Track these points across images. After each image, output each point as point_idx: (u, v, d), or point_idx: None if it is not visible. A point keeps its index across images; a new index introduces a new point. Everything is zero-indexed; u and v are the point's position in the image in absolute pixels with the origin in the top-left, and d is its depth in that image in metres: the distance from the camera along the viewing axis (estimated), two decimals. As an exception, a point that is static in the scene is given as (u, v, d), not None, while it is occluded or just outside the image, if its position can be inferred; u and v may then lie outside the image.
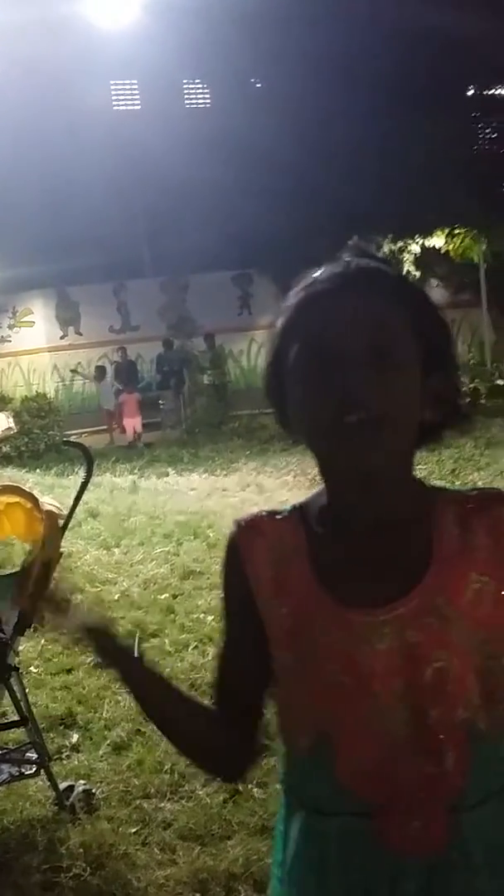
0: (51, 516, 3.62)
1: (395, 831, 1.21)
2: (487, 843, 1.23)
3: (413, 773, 1.20)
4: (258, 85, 16.69)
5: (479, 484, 9.04)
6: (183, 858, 3.19)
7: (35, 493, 3.91)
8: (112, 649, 1.38)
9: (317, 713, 1.23)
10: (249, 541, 1.29)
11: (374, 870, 1.22)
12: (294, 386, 1.19)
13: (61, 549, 3.84)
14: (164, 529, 8.11)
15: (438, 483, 1.31)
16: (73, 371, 17.72)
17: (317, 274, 1.21)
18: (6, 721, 3.74)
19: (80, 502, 3.93)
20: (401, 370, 1.16)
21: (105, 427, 16.28)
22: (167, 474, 11.58)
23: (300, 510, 1.29)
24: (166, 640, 5.32)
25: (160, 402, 16.61)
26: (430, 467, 10.20)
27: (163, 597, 6.10)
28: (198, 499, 9.82)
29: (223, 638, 1.38)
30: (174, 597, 6.12)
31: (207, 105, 18.49)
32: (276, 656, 1.26)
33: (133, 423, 15.88)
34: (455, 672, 1.19)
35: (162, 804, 3.57)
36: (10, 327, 17.85)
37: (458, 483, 9.23)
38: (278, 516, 1.30)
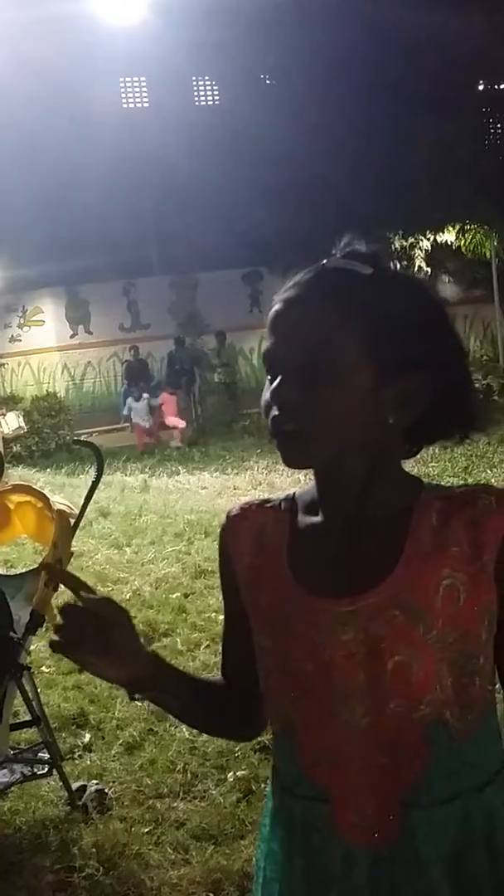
0: (62, 515, 3.61)
1: (347, 820, 1.22)
2: (444, 844, 1.21)
3: (367, 764, 1.20)
4: (267, 81, 16.65)
5: (493, 481, 9.03)
6: (196, 858, 3.18)
7: (46, 492, 3.91)
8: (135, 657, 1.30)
9: (284, 698, 1.26)
10: (235, 528, 1.34)
11: (330, 855, 1.24)
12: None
13: (72, 549, 3.83)
14: (176, 528, 8.11)
15: (427, 480, 1.30)
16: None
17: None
18: (18, 721, 3.74)
19: (91, 501, 3.92)
20: (332, 381, 1.16)
21: (138, 441, 15.34)
22: (178, 473, 11.58)
23: (291, 500, 1.33)
24: (178, 640, 5.31)
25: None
26: (443, 465, 10.19)
27: (174, 596, 6.09)
28: (209, 497, 9.81)
29: (224, 626, 1.45)
30: (186, 596, 6.11)
31: (216, 102, 18.48)
32: (257, 640, 1.30)
33: (176, 424, 15.32)
34: (418, 667, 1.17)
35: (175, 804, 3.56)
36: (21, 326, 17.86)
37: (470, 480, 9.20)
38: (268, 504, 1.34)
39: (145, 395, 15.88)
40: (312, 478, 1.31)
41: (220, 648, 1.49)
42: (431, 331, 1.21)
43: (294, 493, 1.34)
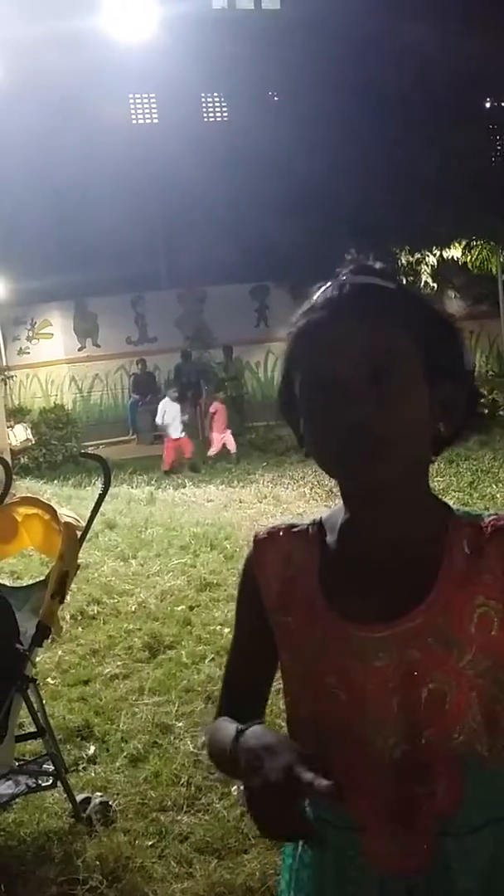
0: (69, 528, 3.63)
1: (379, 848, 1.21)
2: (477, 872, 1.21)
3: (401, 792, 1.19)
4: (276, 98, 16.74)
5: (498, 496, 9.03)
6: (200, 872, 3.18)
7: (53, 504, 3.93)
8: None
9: (314, 724, 1.24)
10: (263, 552, 1.32)
11: (363, 883, 1.23)
12: (302, 413, 1.22)
13: (79, 561, 3.85)
14: (181, 541, 8.12)
15: (456, 505, 1.30)
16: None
17: (315, 297, 1.22)
18: (23, 732, 3.75)
19: (98, 513, 3.94)
20: (402, 390, 1.16)
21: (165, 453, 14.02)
22: (184, 486, 11.59)
23: (318, 525, 1.31)
24: (183, 652, 5.31)
25: (178, 413, 16.62)
26: (449, 480, 10.17)
27: (179, 608, 6.10)
28: (214, 510, 9.82)
29: (233, 645, 1.41)
30: (191, 608, 6.11)
31: (225, 118, 18.57)
32: (285, 667, 1.29)
33: (224, 437, 14.19)
34: (453, 695, 1.17)
35: (179, 817, 3.56)
36: (29, 339, 17.94)
37: (475, 495, 9.20)
38: (295, 529, 1.32)
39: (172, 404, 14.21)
40: (317, 490, 1.31)
41: (226, 678, 1.43)
42: (457, 339, 1.25)
43: (321, 518, 1.32)
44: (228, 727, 1.23)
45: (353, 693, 1.20)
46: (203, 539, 8.09)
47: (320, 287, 1.24)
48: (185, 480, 11.87)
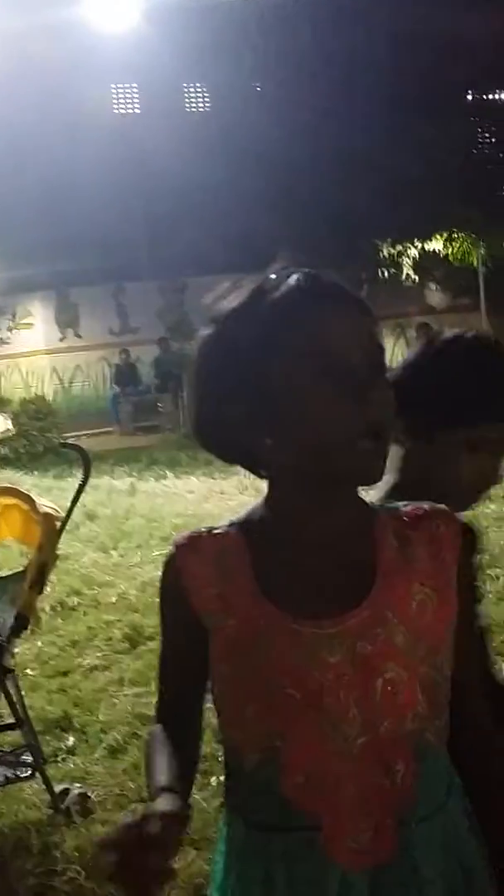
0: (48, 518, 3.61)
1: (343, 845, 1.20)
2: (434, 857, 1.23)
3: (362, 785, 1.20)
4: (258, 88, 16.69)
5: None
6: (178, 863, 3.16)
7: (32, 495, 3.91)
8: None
9: (263, 728, 1.21)
10: (189, 558, 1.27)
11: (322, 885, 1.21)
12: (309, 400, 1.16)
13: (58, 552, 3.83)
14: (162, 532, 8.10)
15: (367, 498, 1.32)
16: None
17: (289, 286, 1.19)
18: (2, 723, 3.74)
19: (78, 504, 3.93)
20: (389, 386, 1.20)
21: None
22: (165, 477, 11.57)
23: (239, 525, 1.28)
24: (163, 643, 5.30)
25: (158, 404, 16.60)
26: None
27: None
28: (196, 502, 9.81)
29: (163, 656, 1.38)
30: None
31: (207, 108, 18.50)
32: (222, 671, 1.25)
33: None
34: (404, 683, 1.20)
35: (157, 808, 3.55)
36: (10, 329, 17.84)
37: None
38: (217, 531, 1.29)
39: None
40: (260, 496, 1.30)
41: (160, 688, 1.40)
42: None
43: (237, 520, 1.30)
44: (157, 765, 1.24)
45: (309, 692, 1.19)
46: (184, 530, 8.03)
47: (259, 279, 1.21)
48: (167, 471, 11.85)
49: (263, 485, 1.32)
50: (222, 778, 1.35)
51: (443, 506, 1.30)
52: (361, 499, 1.29)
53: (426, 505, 1.30)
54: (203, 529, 1.30)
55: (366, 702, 1.19)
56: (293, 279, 1.20)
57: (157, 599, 1.36)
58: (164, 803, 1.13)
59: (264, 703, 1.21)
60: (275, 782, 1.21)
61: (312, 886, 1.21)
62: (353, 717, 1.19)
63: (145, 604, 6.06)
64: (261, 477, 1.29)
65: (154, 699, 1.46)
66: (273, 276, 1.22)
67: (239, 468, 1.33)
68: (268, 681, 1.20)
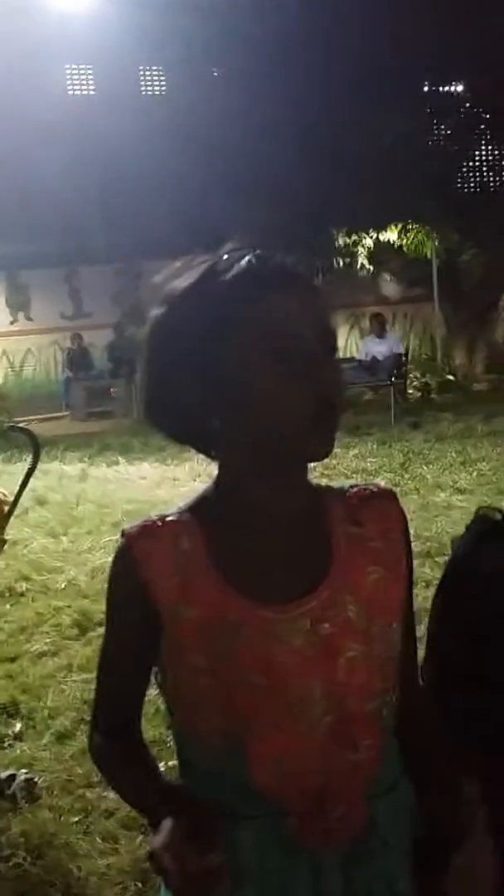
0: (-4, 503, 3.58)
1: (313, 827, 1.21)
2: (397, 827, 1.27)
3: (329, 765, 1.22)
4: (215, 73, 16.59)
5: (428, 477, 9.16)
6: (125, 847, 3.19)
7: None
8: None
9: (228, 716, 1.21)
10: (144, 547, 1.25)
11: (293, 870, 1.22)
12: (259, 380, 1.17)
13: (6, 537, 3.81)
14: (114, 518, 8.06)
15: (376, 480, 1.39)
16: None
17: (240, 267, 1.19)
18: None
19: (28, 489, 3.89)
20: (339, 364, 1.25)
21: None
22: (117, 463, 11.51)
23: (191, 511, 1.28)
24: (113, 630, 5.29)
25: (111, 390, 16.49)
26: (381, 461, 10.28)
27: (110, 586, 6.04)
28: (148, 488, 9.78)
29: (111, 654, 1.34)
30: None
31: (164, 92, 18.35)
32: (184, 661, 1.23)
33: None
34: (364, 661, 1.22)
35: (105, 793, 3.55)
36: (-41, 311, 17.60)
37: (406, 476, 9.32)
38: (169, 518, 1.27)
39: None
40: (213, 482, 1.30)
41: (104, 690, 1.37)
42: None
43: (187, 506, 1.29)
44: (141, 785, 1.27)
45: (274, 676, 1.20)
46: (136, 516, 7.86)
47: (210, 259, 1.22)
48: (119, 457, 11.79)
49: (216, 470, 1.32)
50: (170, 763, 1.35)
51: (387, 484, 1.35)
52: (309, 481, 1.31)
53: (373, 485, 1.33)
54: (155, 517, 1.28)
55: (329, 682, 1.21)
56: (244, 261, 1.20)
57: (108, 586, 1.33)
58: (188, 804, 1.15)
59: (228, 691, 1.20)
60: (241, 769, 1.21)
61: (282, 874, 1.22)
62: (318, 699, 1.21)
63: (95, 590, 6.03)
64: (211, 458, 1.29)
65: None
66: (225, 256, 1.22)
67: (192, 454, 1.33)
68: (232, 668, 1.20)
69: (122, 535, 1.28)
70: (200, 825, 1.10)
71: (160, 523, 1.26)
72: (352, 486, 1.33)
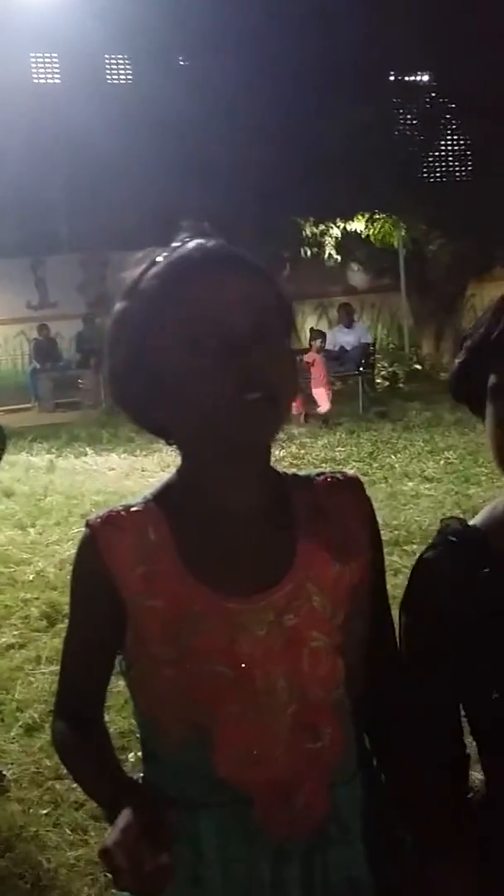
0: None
1: (276, 816, 1.22)
2: (360, 814, 1.28)
3: (293, 754, 1.22)
4: (182, 62, 16.50)
5: (396, 466, 9.20)
6: (95, 839, 3.18)
7: None
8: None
9: (192, 707, 1.21)
10: (108, 537, 1.24)
11: (255, 859, 1.22)
12: (174, 373, 1.17)
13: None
14: (82, 509, 8.01)
15: (346, 469, 1.39)
16: None
17: (174, 256, 1.20)
18: None
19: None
20: (282, 349, 1.20)
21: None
22: (86, 454, 11.47)
23: (155, 500, 1.27)
24: (81, 621, 5.27)
25: (79, 381, 16.39)
26: (349, 450, 10.33)
27: (79, 577, 6.01)
28: (117, 479, 9.75)
29: (75, 644, 1.33)
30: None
31: (130, 80, 18.22)
32: (148, 652, 1.23)
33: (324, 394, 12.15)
34: (328, 651, 1.23)
35: (74, 785, 3.52)
36: None
37: (375, 465, 9.36)
38: (134, 508, 1.26)
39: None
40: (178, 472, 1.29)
41: (67, 679, 1.35)
42: (292, 305, 1.29)
43: (152, 495, 1.29)
44: (99, 776, 1.26)
45: (239, 668, 1.20)
46: (104, 507, 7.95)
47: (164, 250, 1.22)
48: (87, 448, 11.74)
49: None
50: (139, 754, 1.35)
51: (353, 473, 1.35)
52: (274, 469, 1.31)
53: (338, 473, 1.33)
54: (119, 507, 1.27)
55: (293, 672, 1.21)
56: (177, 250, 1.21)
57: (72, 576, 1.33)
58: (143, 802, 1.14)
59: (193, 682, 1.20)
60: (205, 760, 1.21)
61: (244, 862, 1.22)
62: (282, 689, 1.21)
63: (63, 582, 6.00)
64: (172, 447, 1.30)
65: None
66: (174, 244, 1.23)
67: (161, 444, 1.34)
68: (197, 659, 1.20)
69: (87, 525, 1.28)
70: (155, 822, 1.09)
71: (124, 513, 1.25)
72: (318, 475, 1.33)
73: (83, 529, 1.29)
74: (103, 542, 1.24)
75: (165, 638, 1.21)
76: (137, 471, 10.11)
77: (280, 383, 1.17)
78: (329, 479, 1.32)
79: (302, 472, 1.34)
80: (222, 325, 1.15)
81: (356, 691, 1.29)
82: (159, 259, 1.22)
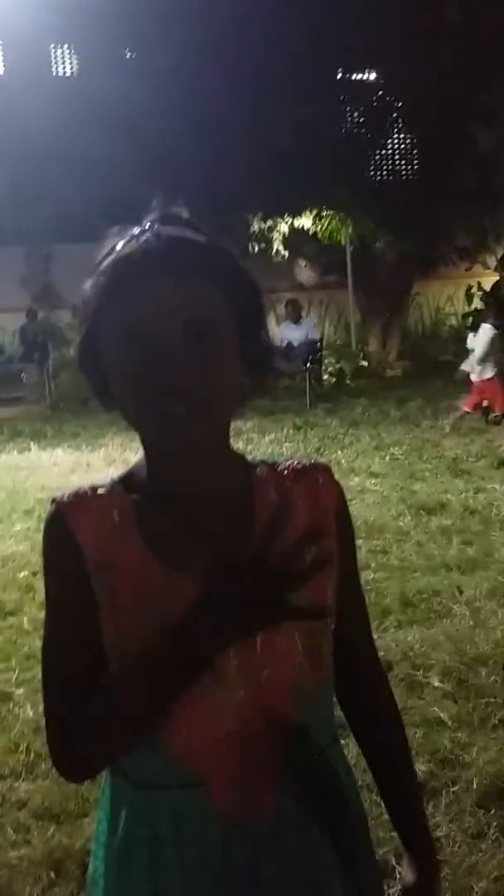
0: None
1: (229, 797, 1.23)
2: (315, 800, 1.27)
3: (246, 736, 1.23)
4: (129, 55, 16.38)
5: (342, 462, 9.25)
6: (38, 838, 3.14)
7: None
8: None
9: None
10: (76, 515, 1.24)
11: (207, 840, 1.23)
12: (113, 371, 1.18)
13: None
14: (25, 505, 7.94)
15: (259, 455, 1.35)
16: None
17: (122, 247, 1.19)
18: None
19: None
20: (220, 347, 1.17)
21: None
22: (29, 449, 11.34)
23: (121, 483, 1.28)
24: (25, 619, 5.21)
25: (22, 375, 16.21)
26: (297, 446, 10.36)
27: (22, 574, 5.95)
28: (61, 474, 9.65)
29: (55, 630, 1.29)
30: (34, 574, 5.96)
31: (75, 72, 18.04)
32: (109, 630, 1.22)
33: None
34: (285, 635, 1.22)
35: (16, 784, 3.51)
36: None
37: (322, 461, 9.38)
38: (100, 490, 1.27)
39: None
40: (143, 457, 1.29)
41: (59, 670, 1.28)
42: (261, 297, 1.25)
43: (119, 477, 1.30)
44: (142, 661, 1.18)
45: None
46: (48, 504, 7.88)
47: (123, 235, 1.21)
48: (31, 444, 11.61)
49: (131, 456, 1.31)
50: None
51: (322, 460, 1.36)
52: (238, 454, 1.31)
53: (307, 460, 1.33)
54: (86, 486, 1.27)
55: (247, 654, 1.21)
56: (129, 242, 1.19)
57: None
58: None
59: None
60: (159, 741, 1.22)
61: (198, 843, 1.23)
62: (234, 672, 1.21)
63: (5, 579, 5.92)
64: None
65: (14, 675, 1.39)
66: (134, 232, 1.21)
67: (107, 440, 1.32)
68: (153, 638, 1.19)
69: (54, 501, 1.27)
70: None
71: (91, 493, 1.26)
72: (287, 459, 1.33)
73: (27, 526, 1.27)
74: (73, 519, 1.24)
75: (126, 618, 1.21)
76: (83, 466, 10.02)
77: (211, 387, 1.15)
78: (297, 465, 1.32)
79: (269, 458, 1.34)
80: (151, 332, 1.14)
81: (323, 678, 1.29)
82: (118, 248, 1.20)
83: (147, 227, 1.20)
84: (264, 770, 1.24)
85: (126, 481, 1.28)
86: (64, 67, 18.51)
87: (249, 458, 1.33)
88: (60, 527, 1.25)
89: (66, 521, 1.24)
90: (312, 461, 1.34)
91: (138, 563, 1.22)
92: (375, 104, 17.25)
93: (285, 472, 1.31)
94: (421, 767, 3.40)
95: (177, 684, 1.17)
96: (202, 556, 1.20)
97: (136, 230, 1.21)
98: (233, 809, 1.23)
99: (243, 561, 1.12)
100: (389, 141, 18.14)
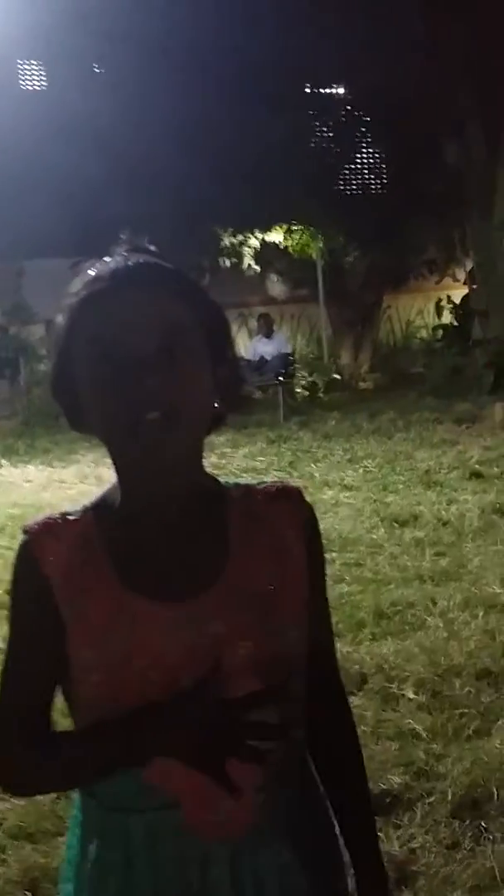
0: None
1: (203, 819, 1.23)
2: (289, 820, 1.28)
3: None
4: (97, 70, 16.39)
5: (316, 475, 9.27)
6: (13, 857, 3.13)
7: None
8: None
9: (121, 712, 1.21)
10: (45, 545, 1.26)
11: (184, 861, 1.24)
12: (86, 388, 1.20)
13: None
14: (-2, 522, 7.90)
15: (222, 478, 1.36)
16: None
17: (96, 271, 1.22)
18: None
19: None
20: (193, 365, 1.19)
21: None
22: (1, 465, 11.27)
23: (93, 509, 1.29)
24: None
25: (-6, 391, 16.14)
26: (270, 459, 10.37)
27: (-5, 591, 5.91)
28: (34, 491, 9.61)
29: (14, 659, 1.30)
30: (6, 592, 5.92)
31: (44, 87, 18.03)
32: (80, 658, 1.23)
33: None
34: (256, 659, 1.23)
35: (-8, 804, 3.48)
36: None
37: (295, 474, 9.42)
38: (71, 517, 1.28)
39: None
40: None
41: (11, 685, 1.30)
42: (228, 324, 1.29)
43: (92, 504, 1.31)
44: (118, 722, 1.21)
45: (167, 671, 1.21)
46: (21, 520, 7.82)
47: (95, 262, 1.24)
48: (2, 460, 11.54)
49: (105, 473, 1.33)
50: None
51: (295, 483, 1.37)
52: (212, 477, 1.32)
53: (279, 483, 1.35)
54: (57, 514, 1.29)
55: (220, 677, 1.22)
56: (100, 266, 1.22)
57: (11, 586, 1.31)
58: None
59: (121, 689, 1.21)
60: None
61: (173, 865, 1.23)
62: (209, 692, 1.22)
63: (-21, 596, 5.88)
64: None
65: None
66: (105, 259, 1.25)
67: (79, 456, 1.35)
68: (126, 665, 1.20)
69: (24, 531, 1.29)
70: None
71: (61, 521, 1.28)
72: (259, 484, 1.35)
73: (0, 541, 1.28)
74: (40, 550, 1.25)
75: (97, 644, 1.22)
76: (55, 482, 9.98)
77: (182, 401, 1.17)
78: (269, 489, 1.34)
79: (243, 481, 1.36)
80: (124, 344, 1.16)
81: (292, 701, 1.29)
82: (90, 272, 1.23)
83: (116, 256, 1.24)
84: (241, 787, 1.23)
85: (98, 507, 1.29)
86: (32, 82, 18.49)
87: (223, 480, 1.34)
88: (29, 558, 1.26)
89: (36, 552, 1.26)
90: (284, 484, 1.35)
91: (107, 588, 1.23)
92: (344, 119, 17.37)
93: (257, 494, 1.32)
94: (395, 779, 3.41)
95: (124, 759, 1.21)
96: (172, 580, 1.22)
97: (106, 259, 1.24)
98: (209, 830, 1.23)
99: (217, 707, 1.18)
100: (358, 155, 18.27)
